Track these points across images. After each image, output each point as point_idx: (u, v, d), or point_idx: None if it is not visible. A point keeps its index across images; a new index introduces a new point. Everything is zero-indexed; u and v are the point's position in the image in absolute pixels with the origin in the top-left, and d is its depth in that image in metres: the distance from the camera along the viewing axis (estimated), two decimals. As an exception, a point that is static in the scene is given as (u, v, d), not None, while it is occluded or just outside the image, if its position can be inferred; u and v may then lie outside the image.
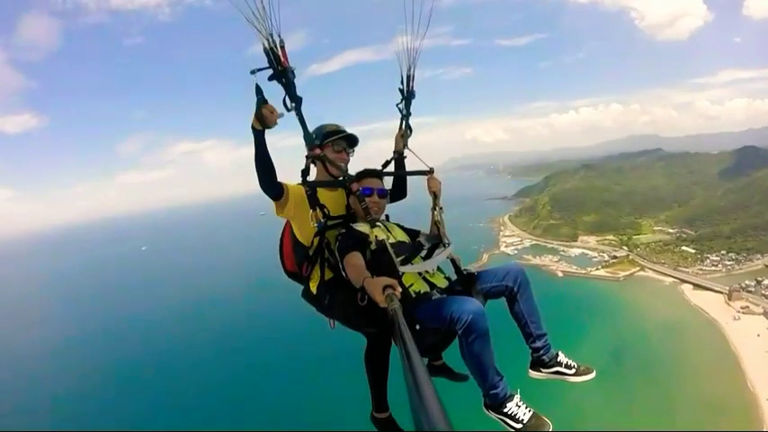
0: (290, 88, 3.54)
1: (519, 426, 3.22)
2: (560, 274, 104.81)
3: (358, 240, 3.68)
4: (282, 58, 3.46)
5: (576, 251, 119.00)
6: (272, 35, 3.38)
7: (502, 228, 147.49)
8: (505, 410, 3.28)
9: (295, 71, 3.53)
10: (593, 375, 3.74)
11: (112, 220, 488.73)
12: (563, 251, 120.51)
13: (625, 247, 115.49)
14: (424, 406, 1.34)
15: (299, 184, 3.94)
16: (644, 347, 70.74)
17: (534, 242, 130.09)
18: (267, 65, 3.46)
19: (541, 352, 3.82)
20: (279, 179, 3.84)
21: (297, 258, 4.10)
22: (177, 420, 59.55)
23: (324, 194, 3.94)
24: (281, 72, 3.47)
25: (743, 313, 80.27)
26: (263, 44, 3.40)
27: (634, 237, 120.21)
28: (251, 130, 3.53)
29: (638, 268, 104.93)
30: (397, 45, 4.27)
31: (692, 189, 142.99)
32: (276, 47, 3.42)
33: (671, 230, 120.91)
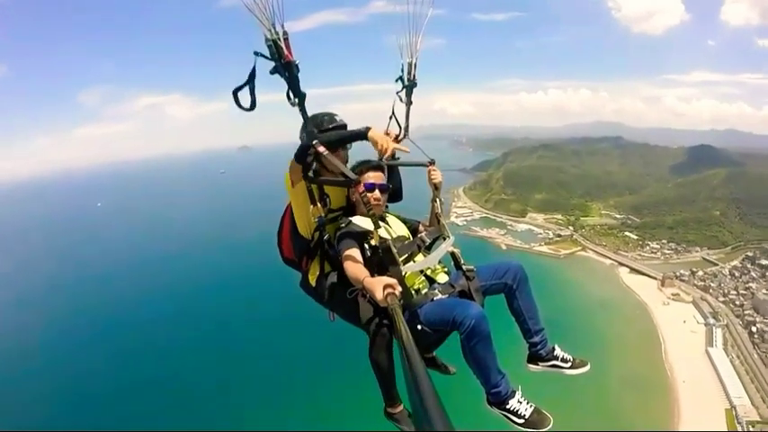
0: (293, 83, 3.42)
1: (521, 421, 3.35)
2: (504, 247, 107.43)
3: (357, 236, 3.77)
4: (286, 51, 3.30)
5: (524, 227, 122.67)
6: (274, 25, 3.24)
7: (455, 199, 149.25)
8: (508, 407, 3.39)
9: (299, 65, 3.38)
10: (588, 368, 3.91)
11: (71, 175, 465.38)
12: (510, 226, 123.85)
13: (571, 227, 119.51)
14: (423, 405, 1.37)
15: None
16: (573, 322, 71.61)
17: (484, 215, 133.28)
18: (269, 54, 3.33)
19: (539, 346, 3.93)
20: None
21: (295, 249, 4.17)
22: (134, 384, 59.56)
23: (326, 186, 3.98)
24: (285, 66, 3.34)
25: (673, 300, 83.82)
26: (265, 35, 3.25)
27: (581, 218, 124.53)
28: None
29: (579, 248, 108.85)
30: (397, 34, 4.28)
31: (645, 179, 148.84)
32: (279, 38, 3.27)
33: (618, 216, 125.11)
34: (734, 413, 58.29)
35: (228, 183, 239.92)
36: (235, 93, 3.37)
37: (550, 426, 3.33)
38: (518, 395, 3.42)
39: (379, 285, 2.96)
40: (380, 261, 3.62)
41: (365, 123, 3.97)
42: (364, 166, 4.17)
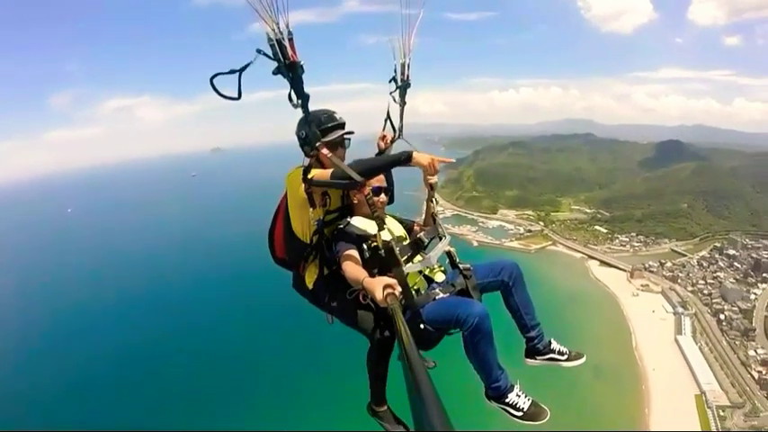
0: (297, 85, 3.36)
1: (519, 414, 3.49)
2: (475, 244, 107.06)
3: (355, 238, 3.79)
4: (291, 52, 3.24)
5: (495, 223, 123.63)
6: (278, 24, 3.17)
7: None
8: (507, 400, 3.53)
9: (304, 65, 3.31)
10: (583, 360, 4.05)
11: (41, 181, 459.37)
12: (482, 222, 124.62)
13: (541, 223, 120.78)
14: (423, 406, 1.38)
15: (299, 166, 3.87)
16: (543, 315, 70.85)
17: (456, 212, 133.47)
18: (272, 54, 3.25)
19: (536, 341, 4.05)
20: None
21: (290, 251, 4.11)
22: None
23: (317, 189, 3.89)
24: (289, 67, 3.27)
25: (642, 290, 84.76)
26: (268, 34, 3.18)
27: (552, 213, 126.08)
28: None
29: (550, 242, 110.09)
30: (391, 33, 4.29)
31: (614, 174, 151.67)
32: (284, 38, 3.20)
33: (588, 210, 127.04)
34: (704, 398, 58.67)
35: (200, 186, 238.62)
36: (212, 79, 3.13)
37: (547, 418, 3.45)
38: (516, 389, 3.56)
39: (378, 285, 2.96)
40: (381, 262, 3.65)
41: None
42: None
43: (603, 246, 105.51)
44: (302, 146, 3.93)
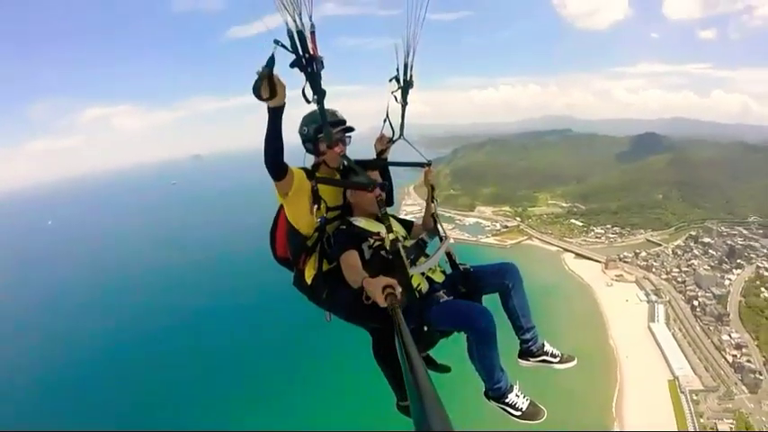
0: (315, 79, 3.33)
1: (518, 413, 3.66)
2: (451, 241, 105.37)
3: (355, 237, 3.86)
4: (312, 45, 3.22)
5: (472, 220, 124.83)
6: (300, 16, 3.13)
7: (406, 196, 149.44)
8: (506, 400, 3.70)
9: (324, 61, 3.29)
10: (575, 362, 4.22)
11: (20, 192, 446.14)
12: (459, 220, 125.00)
13: (518, 218, 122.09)
14: (424, 406, 1.40)
15: (300, 168, 3.96)
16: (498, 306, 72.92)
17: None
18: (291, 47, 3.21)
19: (530, 343, 4.18)
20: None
21: (292, 247, 4.14)
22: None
23: (321, 187, 3.96)
24: (309, 60, 3.24)
25: (616, 281, 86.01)
26: (288, 25, 3.14)
27: (529, 208, 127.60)
28: (267, 108, 3.39)
29: (525, 237, 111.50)
30: (394, 33, 4.28)
31: (591, 168, 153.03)
32: (305, 30, 3.17)
33: (564, 204, 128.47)
34: (677, 383, 59.49)
35: (181, 193, 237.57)
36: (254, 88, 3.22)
37: (544, 417, 3.62)
38: (515, 390, 3.73)
39: (378, 286, 2.95)
40: (383, 262, 3.70)
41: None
42: (368, 167, 4.20)
43: (579, 238, 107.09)
44: (305, 142, 4.09)
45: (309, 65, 3.23)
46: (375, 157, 4.70)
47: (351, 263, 3.61)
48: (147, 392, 59.29)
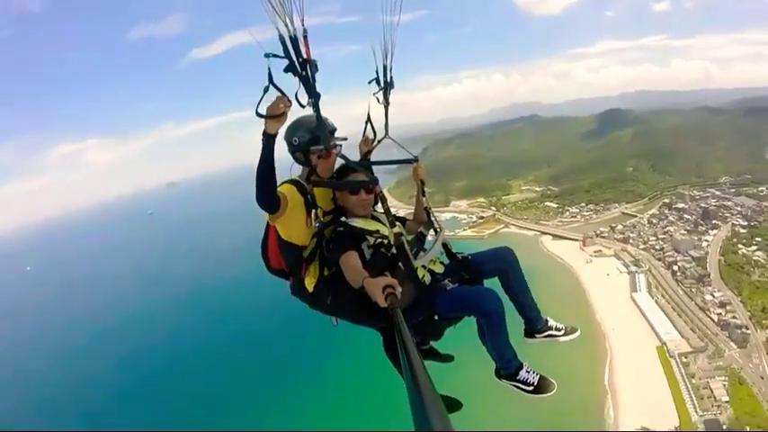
0: (309, 83, 3.38)
1: (530, 388, 3.80)
2: (429, 238, 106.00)
3: (353, 238, 3.84)
4: (305, 49, 3.27)
5: (448, 215, 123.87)
6: (292, 21, 3.17)
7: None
8: (518, 377, 3.83)
9: (318, 64, 3.36)
10: (578, 333, 4.34)
11: None
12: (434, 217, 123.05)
13: (493, 208, 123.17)
14: (423, 406, 1.42)
15: (287, 182, 3.89)
16: (498, 289, 72.80)
17: (409, 211, 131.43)
18: (283, 54, 3.25)
19: (534, 320, 4.31)
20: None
21: (288, 258, 4.06)
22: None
23: (316, 191, 3.98)
24: (303, 64, 3.30)
25: (595, 257, 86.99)
26: (280, 30, 3.18)
27: (503, 197, 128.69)
28: (262, 134, 3.34)
29: (502, 225, 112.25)
30: (372, 35, 4.37)
31: (560, 150, 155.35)
32: (297, 35, 3.22)
33: (537, 189, 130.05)
34: (665, 349, 60.00)
35: (159, 222, 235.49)
36: (258, 110, 3.28)
37: (554, 390, 3.78)
38: (526, 366, 3.85)
39: (378, 286, 2.96)
40: (386, 259, 3.78)
41: None
42: (360, 167, 4.23)
43: (555, 220, 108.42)
44: (294, 153, 3.96)
45: (304, 68, 3.27)
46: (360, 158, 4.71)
47: (351, 263, 3.58)
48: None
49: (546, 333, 4.28)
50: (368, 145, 4.72)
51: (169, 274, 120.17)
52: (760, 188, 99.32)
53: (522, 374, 3.80)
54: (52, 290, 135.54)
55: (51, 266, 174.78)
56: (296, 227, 3.86)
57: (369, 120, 4.67)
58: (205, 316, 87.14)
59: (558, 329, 4.32)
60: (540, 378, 3.81)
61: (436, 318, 3.79)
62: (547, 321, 4.33)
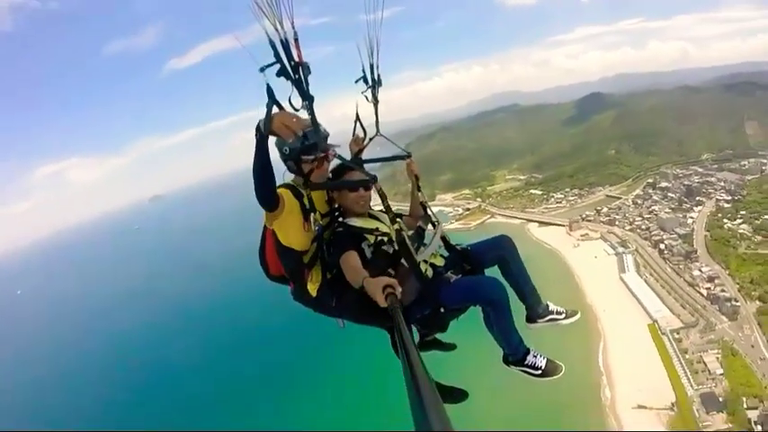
0: (302, 86, 3.42)
1: (538, 372, 3.88)
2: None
3: (353, 238, 3.84)
4: (297, 52, 3.31)
5: (434, 209, 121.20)
6: (282, 25, 3.20)
7: None
8: (526, 362, 3.91)
9: (310, 66, 3.39)
10: (579, 315, 4.45)
11: None
12: None
13: (479, 199, 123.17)
14: (423, 406, 1.42)
15: (281, 186, 3.77)
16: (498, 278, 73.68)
17: (396, 208, 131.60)
18: (275, 59, 3.28)
19: (535, 305, 4.38)
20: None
21: (287, 264, 4.01)
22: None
23: (313, 195, 3.97)
24: (295, 68, 3.34)
25: (582, 240, 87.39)
26: (270, 35, 3.21)
27: (488, 188, 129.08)
28: (254, 133, 3.26)
29: (488, 216, 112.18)
30: (349, 35, 4.47)
31: (542, 138, 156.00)
32: (288, 38, 3.26)
33: (521, 177, 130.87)
34: (657, 326, 60.24)
35: (145, 236, 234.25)
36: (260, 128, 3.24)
37: (562, 372, 3.84)
38: (533, 351, 3.93)
39: (378, 286, 2.96)
40: (386, 257, 3.76)
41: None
42: (354, 166, 4.23)
43: (540, 207, 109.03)
44: (287, 160, 3.80)
45: (296, 71, 3.27)
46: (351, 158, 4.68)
47: (351, 264, 3.56)
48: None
49: (548, 317, 4.36)
50: (358, 144, 4.71)
51: (161, 288, 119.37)
52: (742, 162, 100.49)
53: (530, 359, 3.88)
54: (44, 313, 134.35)
55: (42, 288, 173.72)
56: (294, 231, 3.82)
57: (358, 118, 4.65)
58: (200, 328, 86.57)
59: (560, 313, 4.40)
60: (547, 362, 3.88)
61: (442, 310, 3.79)
62: (548, 306, 4.41)
